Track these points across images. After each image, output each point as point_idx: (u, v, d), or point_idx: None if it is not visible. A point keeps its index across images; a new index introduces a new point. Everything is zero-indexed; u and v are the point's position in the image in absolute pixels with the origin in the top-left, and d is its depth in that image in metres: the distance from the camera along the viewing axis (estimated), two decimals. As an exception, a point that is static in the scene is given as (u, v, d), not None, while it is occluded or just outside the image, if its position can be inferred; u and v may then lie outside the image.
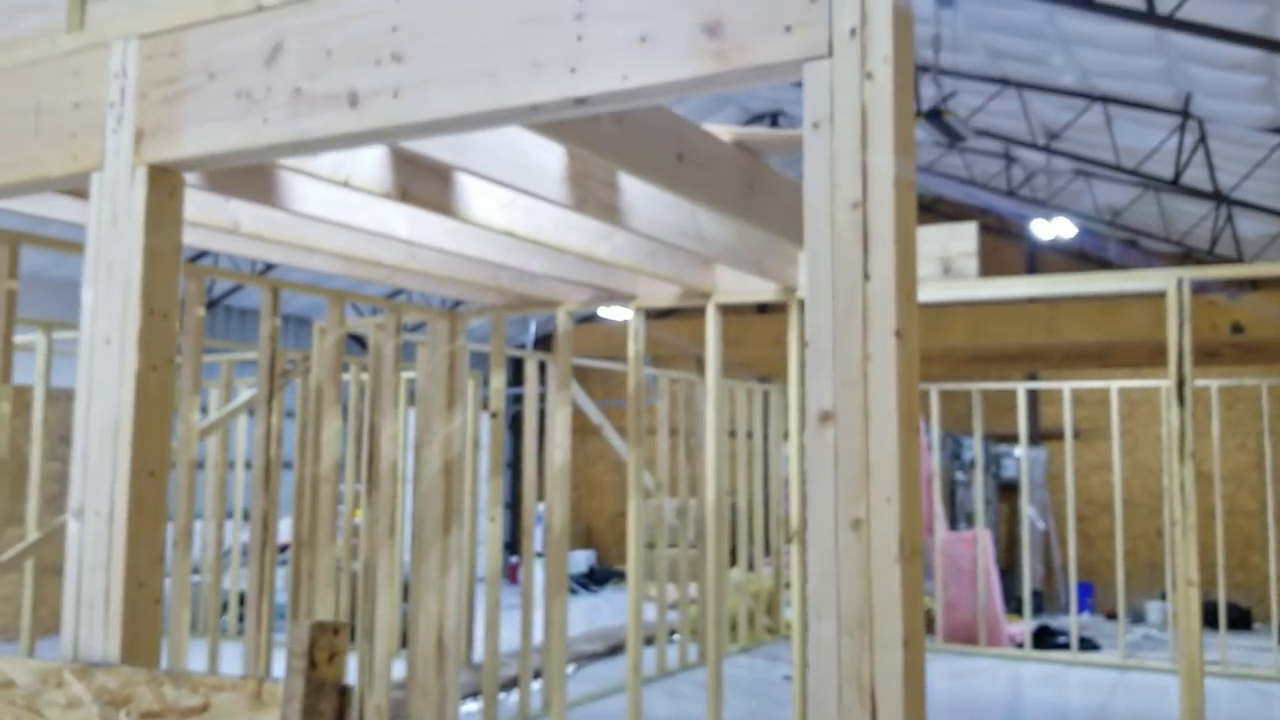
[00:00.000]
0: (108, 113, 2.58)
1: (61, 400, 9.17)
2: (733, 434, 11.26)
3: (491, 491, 7.33)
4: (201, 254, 12.48)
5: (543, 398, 8.43)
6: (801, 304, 6.22)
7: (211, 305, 15.06)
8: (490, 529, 7.32)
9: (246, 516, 12.17)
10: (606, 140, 3.31)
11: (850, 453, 1.50)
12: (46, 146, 2.67)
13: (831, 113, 1.62)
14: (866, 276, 1.52)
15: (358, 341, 13.48)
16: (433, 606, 6.91)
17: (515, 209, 4.87)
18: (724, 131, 4.50)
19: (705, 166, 4.22)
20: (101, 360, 2.50)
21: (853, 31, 1.63)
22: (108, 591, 2.37)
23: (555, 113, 2.02)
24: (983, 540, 10.81)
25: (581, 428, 13.80)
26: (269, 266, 12.92)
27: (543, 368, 8.63)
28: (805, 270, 1.60)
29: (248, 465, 11.62)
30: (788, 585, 14.11)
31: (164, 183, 2.53)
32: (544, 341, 19.99)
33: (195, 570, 10.99)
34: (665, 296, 6.84)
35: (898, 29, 1.63)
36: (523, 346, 17.80)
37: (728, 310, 6.59)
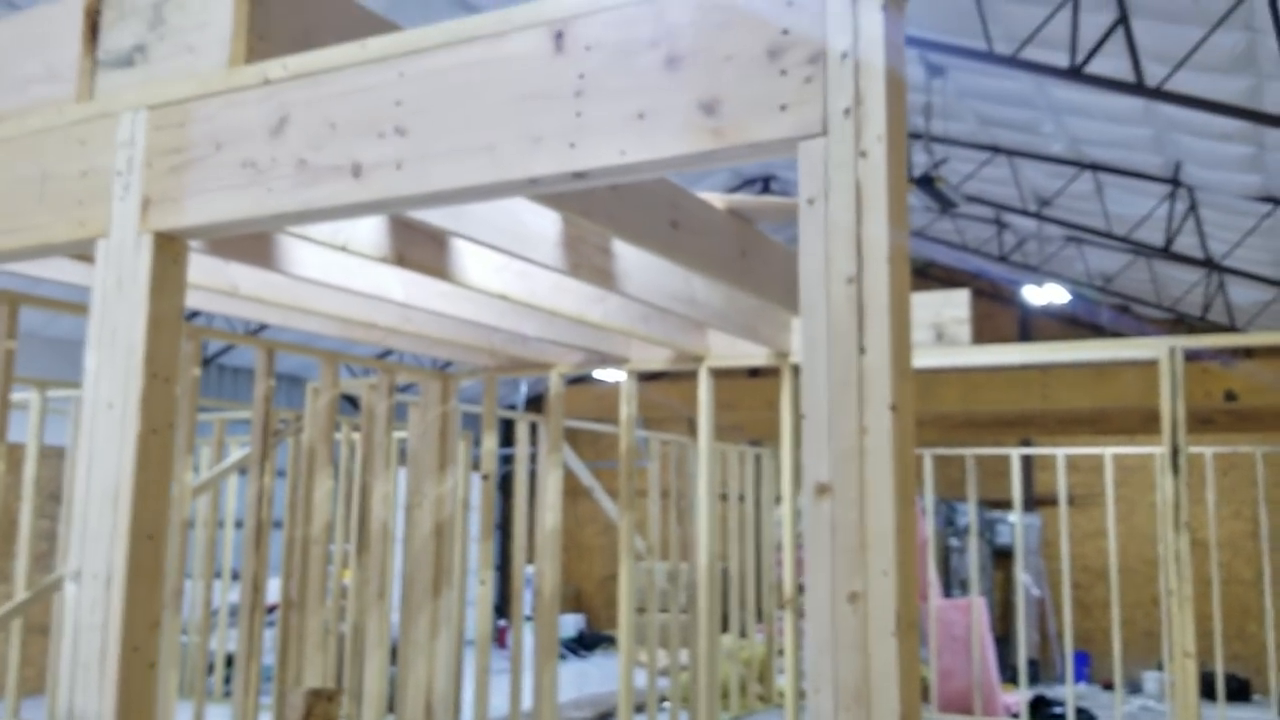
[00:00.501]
0: (115, 181, 2.62)
1: (52, 458, 9.14)
2: (724, 497, 11.23)
3: (482, 554, 7.30)
4: (194, 313, 12.53)
5: (533, 459, 8.43)
6: (795, 369, 6.26)
7: (205, 364, 15.08)
8: (480, 592, 7.27)
9: (234, 576, 12.07)
10: (601, 207, 3.36)
11: (847, 526, 1.52)
12: (53, 213, 2.71)
13: (826, 189, 1.66)
14: (862, 350, 1.55)
15: (349, 401, 13.47)
16: (422, 670, 6.84)
17: (509, 273, 4.92)
18: (717, 199, 4.57)
19: (699, 233, 4.28)
20: (103, 424, 2.52)
21: (847, 111, 1.68)
22: (103, 654, 2.36)
23: (554, 186, 2.06)
24: (978, 607, 10.75)
25: (572, 489, 13.76)
26: (261, 326, 12.94)
27: (534, 429, 8.63)
28: (801, 342, 1.63)
29: (236, 524, 11.55)
30: (780, 652, 13.97)
31: (169, 250, 2.57)
32: (535, 402, 19.99)
33: (183, 631, 10.85)
34: (658, 360, 6.88)
35: (891, 109, 1.68)
36: (513, 407, 17.78)
37: (720, 374, 6.62)
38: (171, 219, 2.52)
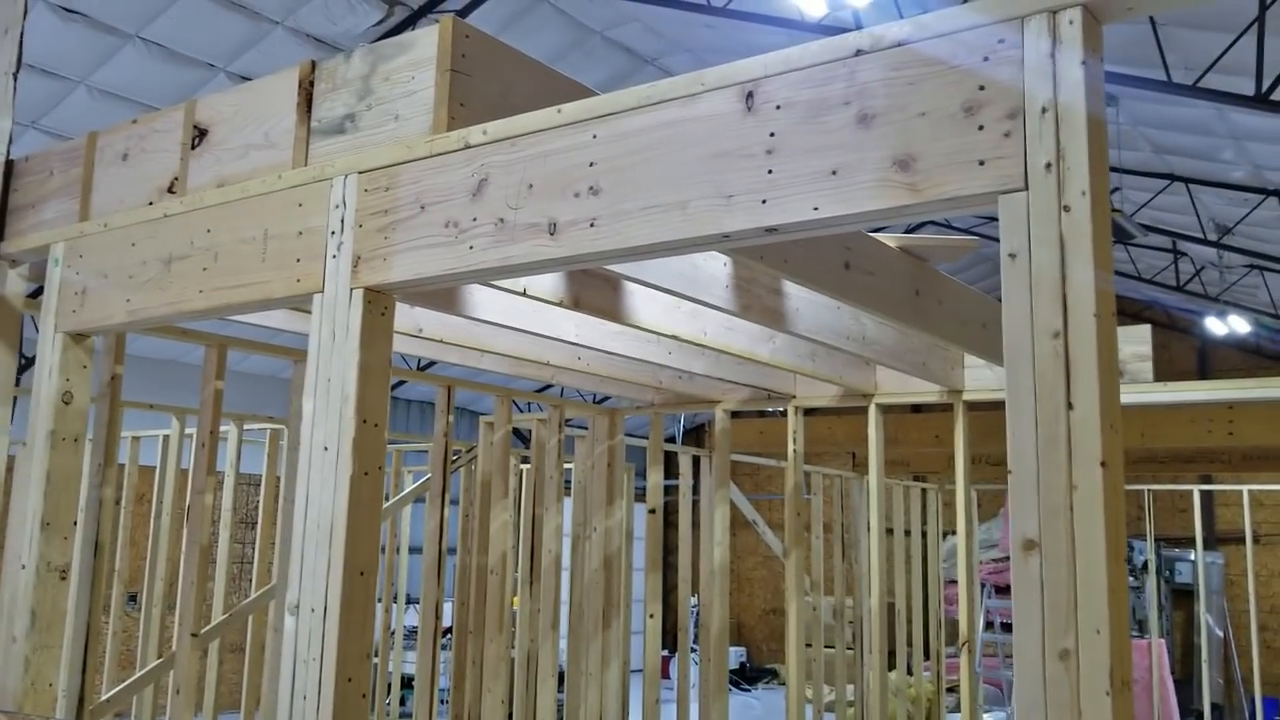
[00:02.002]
0: (329, 240, 2.82)
1: (245, 485, 9.69)
2: (889, 532, 11.07)
3: (650, 586, 7.39)
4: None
5: (695, 491, 8.49)
6: (967, 406, 6.17)
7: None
8: (649, 625, 7.35)
9: (408, 601, 12.52)
10: (776, 251, 3.41)
11: (1056, 583, 1.52)
12: (274, 270, 2.93)
13: (1029, 244, 1.68)
14: (1070, 406, 1.56)
15: (516, 435, 13.81)
16: (594, 700, 6.96)
17: (679, 313, 5.01)
18: (890, 238, 4.56)
19: (872, 274, 4.28)
20: (318, 466, 2.70)
21: (1049, 166, 1.69)
22: (320, 684, 2.53)
23: (745, 241, 2.13)
24: (1157, 649, 10.26)
25: (731, 522, 13.74)
26: (430, 362, 13.40)
27: (696, 462, 8.71)
28: (1007, 398, 1.64)
29: (410, 550, 11.98)
30: (949, 690, 13.58)
31: (377, 304, 2.75)
32: (691, 434, 20.06)
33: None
34: (824, 396, 6.87)
35: (1094, 161, 1.68)
36: (671, 439, 17.92)
37: (884, 409, 6.57)
38: (380, 275, 2.70)
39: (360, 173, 2.80)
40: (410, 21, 9.51)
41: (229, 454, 7.49)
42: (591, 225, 2.34)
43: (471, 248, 2.54)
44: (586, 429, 7.59)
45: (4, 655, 3.34)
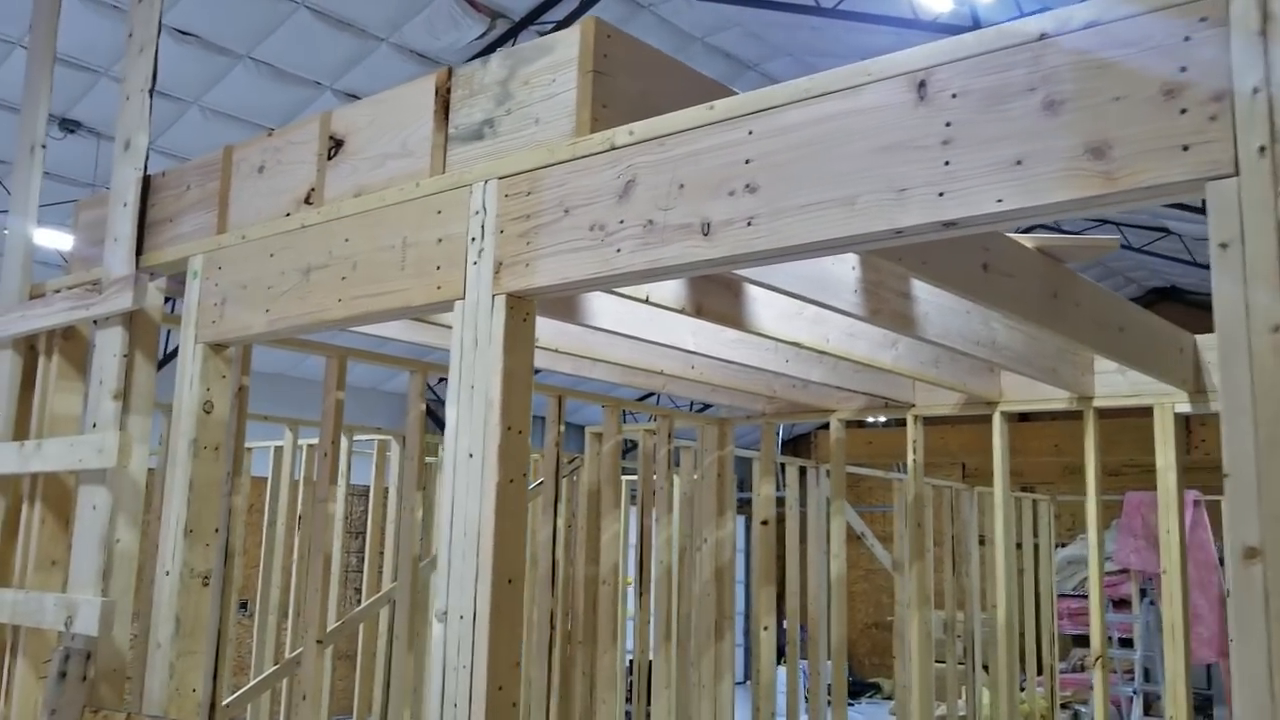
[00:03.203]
0: (469, 247, 2.80)
1: (353, 496, 9.84)
2: (981, 542, 10.79)
3: (763, 600, 7.28)
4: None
5: (801, 502, 8.37)
6: (1097, 413, 5.96)
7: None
8: (762, 638, 7.25)
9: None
10: (914, 253, 3.31)
11: (1292, 593, 1.41)
12: (413, 278, 2.92)
13: (1241, 233, 1.57)
14: (1300, 404, 1.45)
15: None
16: (707, 713, 6.88)
17: (801, 320, 4.92)
18: (1027, 239, 4.42)
19: (1011, 275, 4.15)
20: (463, 473, 2.68)
21: (1262, 150, 1.58)
22: (470, 693, 2.50)
23: (920, 236, 2.05)
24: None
25: (836, 533, 13.55)
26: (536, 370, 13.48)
27: (802, 473, 8.58)
28: (1221, 397, 1.54)
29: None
30: (1063, 706, 13.18)
31: (519, 309, 2.72)
32: (789, 444, 19.86)
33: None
34: (945, 404, 6.71)
35: (1310, 144, 1.57)
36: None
37: (987, 420, 6.41)
38: (522, 281, 2.67)
39: (500, 178, 2.78)
40: (512, 34, 9.58)
41: (341, 464, 7.61)
42: (748, 224, 2.28)
43: (619, 250, 2.49)
44: (693, 440, 7.53)
45: (150, 661, 3.40)
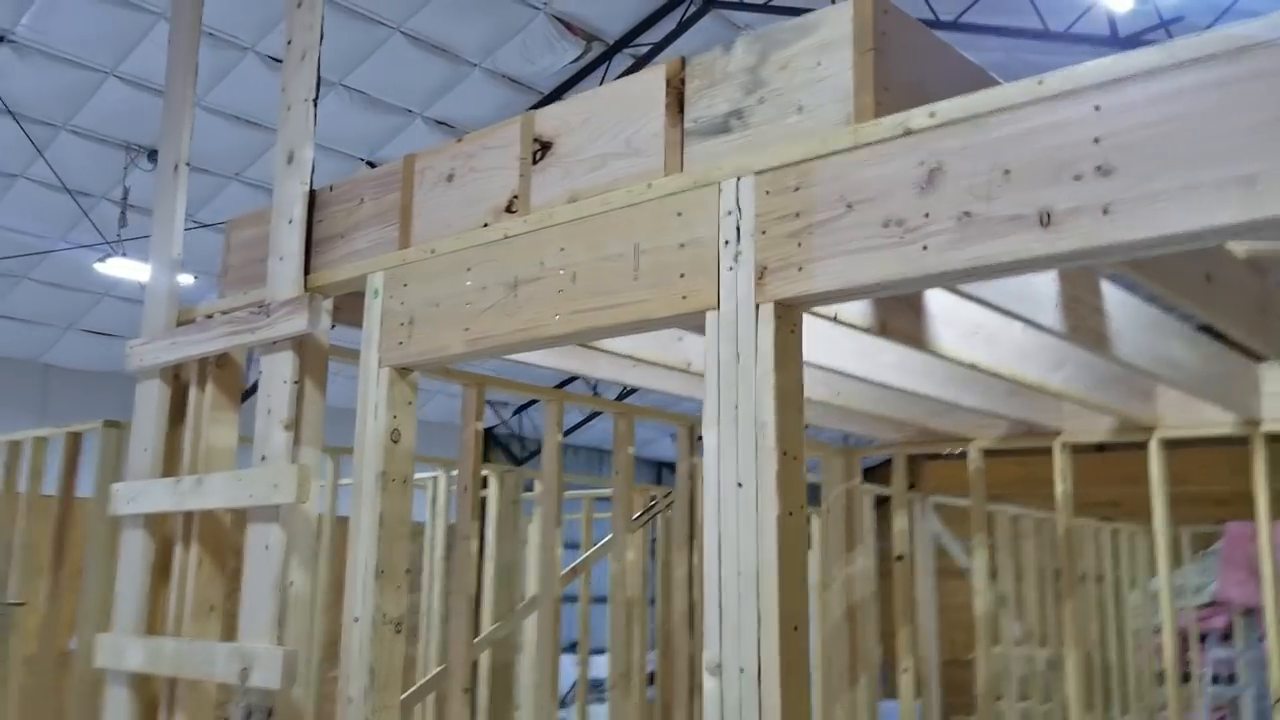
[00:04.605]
0: (721, 251, 2.51)
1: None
2: (1081, 578, 10.33)
3: (901, 638, 6.90)
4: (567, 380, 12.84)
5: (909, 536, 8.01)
6: (1266, 437, 5.58)
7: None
8: (902, 680, 6.86)
9: (599, 651, 12.22)
10: (1154, 259, 2.98)
11: None
12: (649, 288, 2.63)
13: None
14: None
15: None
16: (849, 763, 6.49)
17: (978, 339, 4.58)
18: (1237, 247, 4.09)
19: (1228, 285, 3.81)
20: (731, 505, 2.37)
21: None
22: (762, 760, 2.18)
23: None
24: None
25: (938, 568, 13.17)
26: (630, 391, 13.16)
27: (909, 505, 8.22)
28: None
29: (599, 599, 11.71)
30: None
31: (787, 319, 2.42)
32: (868, 473, 19.37)
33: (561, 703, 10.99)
34: (1096, 430, 6.34)
35: None
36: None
37: (1077, 449, 6.06)
38: (795, 287, 2.37)
39: (757, 173, 2.49)
40: (605, 57, 9.38)
41: (437, 501, 7.34)
42: (1104, 212, 1.97)
43: (925, 248, 2.18)
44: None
45: (342, 717, 3.10)
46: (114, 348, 12.78)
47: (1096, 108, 2.01)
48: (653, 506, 8.29)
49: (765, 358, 2.39)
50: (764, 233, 2.45)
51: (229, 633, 3.68)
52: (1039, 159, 2.07)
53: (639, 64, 9.35)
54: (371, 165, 10.40)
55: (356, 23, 8.57)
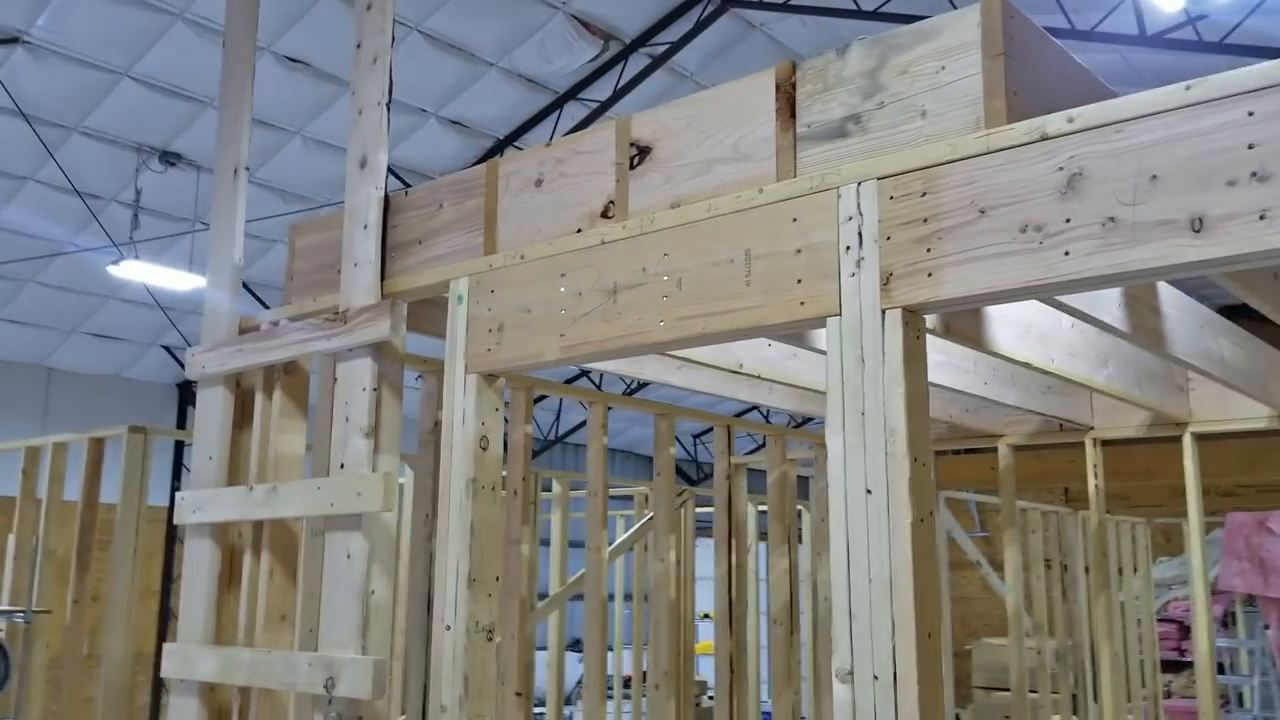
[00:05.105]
0: (842, 257, 2.50)
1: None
2: (1086, 570, 10.40)
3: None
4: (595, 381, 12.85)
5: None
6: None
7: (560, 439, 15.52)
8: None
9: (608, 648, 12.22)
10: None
11: None
12: (763, 294, 2.62)
13: None
14: None
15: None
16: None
17: (1030, 338, 4.60)
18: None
19: (1294, 284, 3.83)
20: (859, 512, 2.36)
21: None
22: (907, 770, 2.17)
23: None
24: None
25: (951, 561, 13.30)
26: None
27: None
28: None
29: (626, 597, 11.74)
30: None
31: (914, 325, 2.41)
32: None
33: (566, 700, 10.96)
34: (1128, 426, 6.38)
35: None
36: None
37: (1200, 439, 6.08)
38: (924, 292, 2.36)
39: (879, 178, 2.48)
40: (622, 57, 9.35)
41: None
42: (1261, 218, 1.97)
43: (1067, 254, 2.18)
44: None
45: (436, 726, 3.07)
46: (117, 351, 12.68)
47: (1250, 113, 2.01)
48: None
49: (893, 363, 2.38)
50: (888, 238, 2.44)
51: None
52: (1188, 164, 2.07)
53: (655, 64, 9.33)
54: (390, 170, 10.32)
55: (373, 23, 8.52)
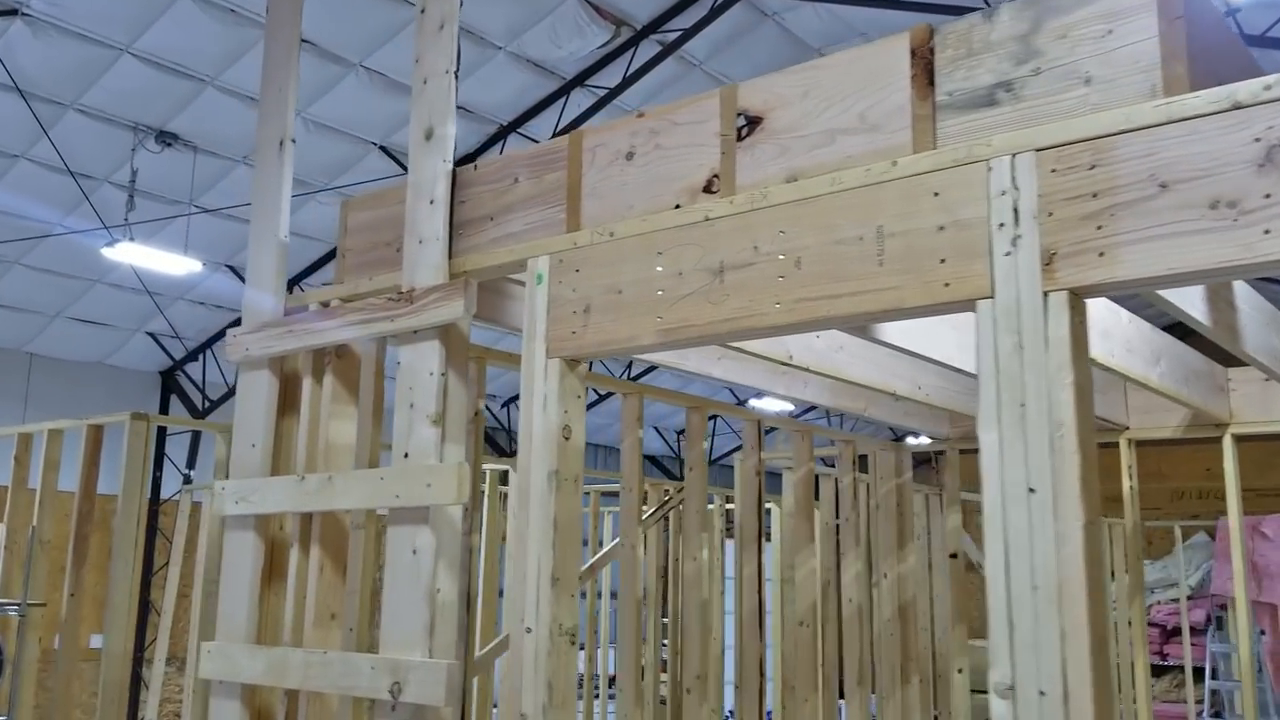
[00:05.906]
0: (994, 235, 2.30)
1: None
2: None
3: (957, 638, 6.76)
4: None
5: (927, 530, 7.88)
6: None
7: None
8: (956, 680, 6.73)
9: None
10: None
11: None
12: (899, 274, 2.42)
13: None
14: None
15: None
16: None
17: (1093, 333, 4.45)
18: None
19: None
20: (1019, 513, 2.17)
21: None
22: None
23: None
24: None
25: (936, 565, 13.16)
26: (637, 373, 12.57)
27: (925, 501, 8.10)
28: None
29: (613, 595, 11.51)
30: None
31: (1079, 309, 2.22)
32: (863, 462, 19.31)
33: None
34: (1165, 426, 6.26)
35: None
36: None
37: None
38: (1095, 273, 2.17)
39: (1038, 150, 2.28)
40: (633, 43, 9.14)
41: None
42: None
43: (1268, 231, 2.00)
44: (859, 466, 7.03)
45: (522, 735, 2.85)
46: (101, 337, 12.32)
47: None
48: (667, 502, 8.09)
49: (1059, 350, 2.19)
50: (1050, 214, 2.25)
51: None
52: None
53: (667, 50, 9.12)
54: (386, 151, 10.06)
55: (382, 3, 8.24)
